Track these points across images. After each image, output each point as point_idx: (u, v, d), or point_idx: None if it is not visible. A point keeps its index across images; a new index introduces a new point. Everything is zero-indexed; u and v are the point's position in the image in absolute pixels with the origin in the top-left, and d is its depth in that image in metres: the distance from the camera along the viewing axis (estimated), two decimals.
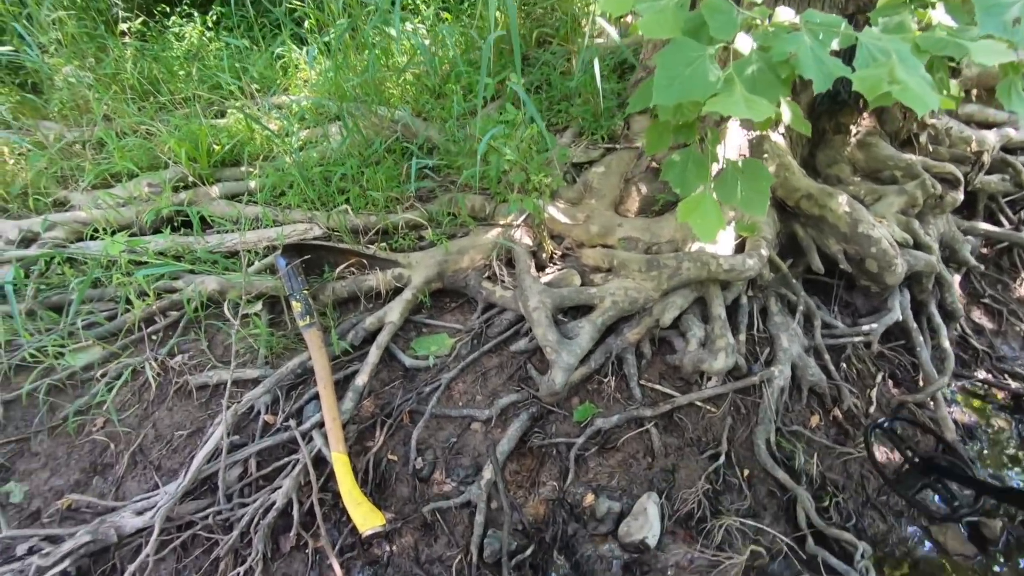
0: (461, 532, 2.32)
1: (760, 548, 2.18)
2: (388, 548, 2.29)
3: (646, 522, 2.26)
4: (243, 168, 3.46)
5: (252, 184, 3.35)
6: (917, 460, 2.54)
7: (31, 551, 2.24)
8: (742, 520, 2.33)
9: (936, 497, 2.54)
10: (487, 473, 2.43)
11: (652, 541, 2.22)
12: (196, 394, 2.68)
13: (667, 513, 2.36)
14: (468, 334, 2.90)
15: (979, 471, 2.63)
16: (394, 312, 2.84)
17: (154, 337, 2.85)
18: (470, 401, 2.72)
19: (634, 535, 2.24)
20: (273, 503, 2.27)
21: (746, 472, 2.54)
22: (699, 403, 2.71)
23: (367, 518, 2.18)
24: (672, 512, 2.37)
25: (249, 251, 3.08)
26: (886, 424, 2.67)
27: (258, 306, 2.93)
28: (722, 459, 2.54)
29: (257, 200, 3.28)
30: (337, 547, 2.27)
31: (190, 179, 3.31)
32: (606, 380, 2.77)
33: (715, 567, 2.16)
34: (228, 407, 2.38)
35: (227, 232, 3.17)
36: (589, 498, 2.45)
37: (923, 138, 3.51)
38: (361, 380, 2.63)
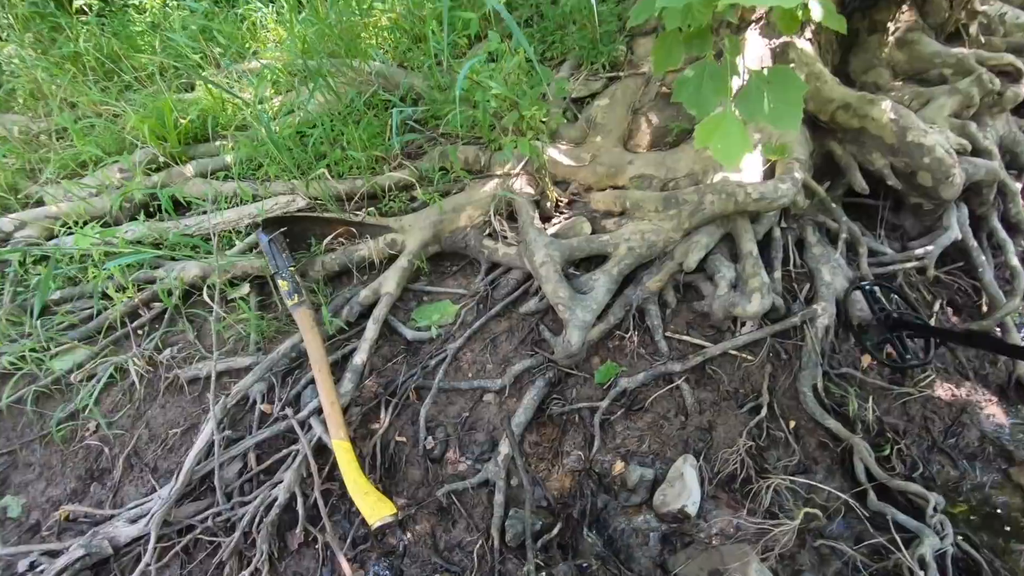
0: (480, 514, 2.12)
1: (814, 509, 1.93)
2: (403, 537, 2.11)
3: (684, 488, 2.02)
4: (217, 143, 3.20)
5: (228, 158, 3.09)
6: (884, 317, 2.37)
7: (32, 567, 2.12)
8: (792, 478, 2.08)
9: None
10: (504, 448, 2.21)
11: (692, 509, 1.99)
12: (188, 388, 2.50)
13: (707, 476, 2.12)
14: (473, 299, 2.65)
15: None
16: (390, 282, 2.59)
17: (139, 332, 2.66)
18: (480, 371, 2.48)
19: (671, 504, 2.01)
20: (275, 499, 2.09)
21: (792, 424, 2.27)
22: (734, 352, 2.44)
23: (375, 508, 1.99)
24: (712, 475, 2.13)
25: (230, 230, 2.85)
26: (867, 287, 2.47)
27: (244, 289, 2.72)
28: (764, 412, 2.27)
29: (234, 175, 3.02)
30: (348, 540, 2.10)
31: (161, 159, 3.07)
32: (628, 336, 2.50)
33: (765, 533, 1.92)
34: (216, 400, 2.19)
35: (205, 212, 2.94)
36: (618, 466, 2.22)
37: (973, 28, 3.05)
38: (360, 358, 2.41)
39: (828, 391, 2.33)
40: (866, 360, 2.42)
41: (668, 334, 2.49)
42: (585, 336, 2.32)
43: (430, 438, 2.30)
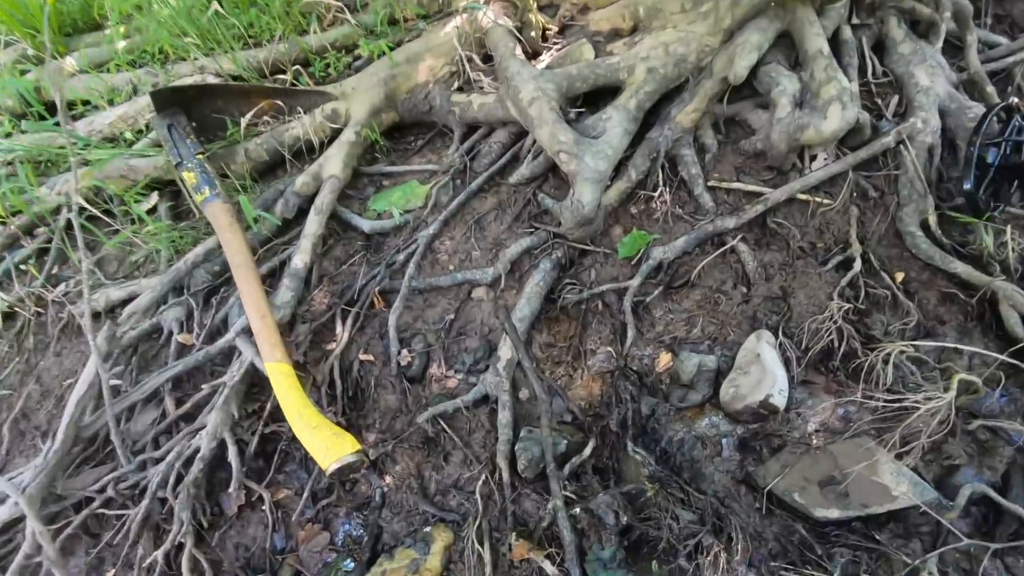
0: (481, 441, 1.53)
1: (970, 376, 1.31)
2: (380, 483, 1.54)
3: (763, 374, 1.41)
4: (106, 31, 2.51)
5: (121, 44, 2.40)
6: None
7: None
8: (914, 344, 1.45)
9: None
10: (505, 351, 1.61)
11: (779, 399, 1.38)
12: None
13: (792, 356, 1.51)
14: (447, 175, 2.00)
15: None
16: (334, 162, 1.95)
17: (23, 268, 2.05)
18: (464, 262, 1.86)
19: (748, 396, 1.40)
20: (196, 451, 1.51)
21: (900, 276, 1.63)
22: (804, 196, 1.79)
23: (330, 447, 1.40)
24: (800, 353, 1.52)
25: (129, 129, 2.20)
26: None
27: (152, 199, 2.09)
28: (857, 266, 1.63)
29: (124, 64, 2.35)
30: (305, 495, 1.53)
31: (32, 54, 2.39)
32: (657, 194, 1.85)
33: (896, 419, 1.31)
34: (102, 329, 1.59)
35: (98, 111, 2.28)
36: (664, 359, 1.61)
37: None
38: (300, 260, 1.79)
39: (944, 229, 1.67)
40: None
41: (712, 183, 1.84)
42: (600, 192, 1.68)
43: (405, 352, 1.70)
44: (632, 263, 1.80)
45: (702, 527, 1.21)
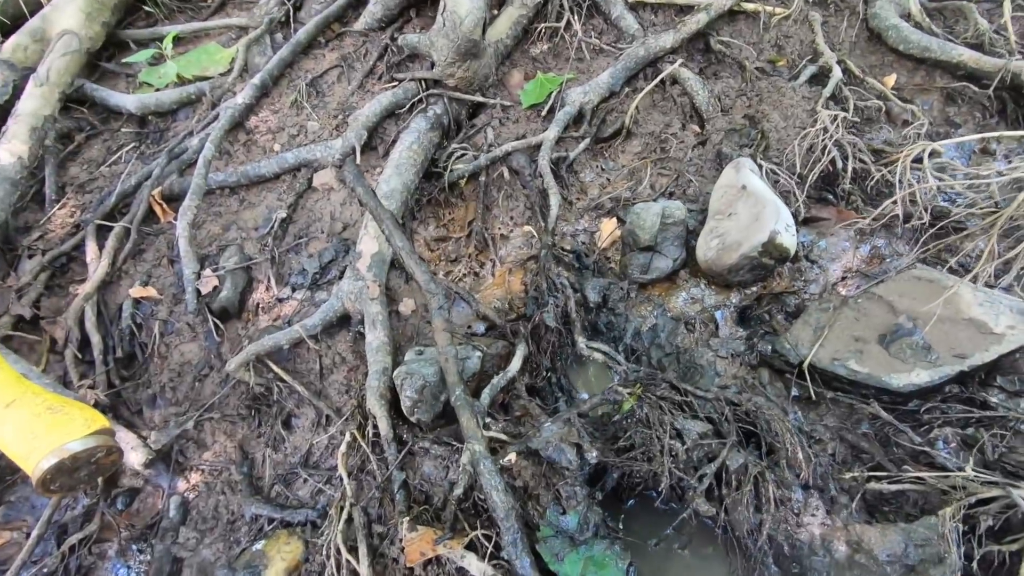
0: (342, 385, 0.93)
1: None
2: (180, 485, 0.90)
3: (760, 208, 0.93)
4: None
5: None
6: None
7: None
8: (935, 145, 1.03)
9: None
10: (368, 244, 1.02)
11: (788, 238, 0.91)
12: None
13: (790, 184, 1.04)
14: (261, 28, 1.35)
15: None
16: (68, 13, 1.24)
17: None
18: (297, 138, 1.24)
19: (744, 243, 0.92)
20: None
21: (891, 81, 1.23)
22: (751, 6, 1.34)
23: (39, 435, 0.74)
24: (796, 182, 1.05)
25: None
26: None
27: None
28: (838, 72, 1.21)
29: None
30: (36, 531, 0.85)
31: None
32: (563, 23, 1.33)
33: (941, 244, 0.88)
34: None
35: None
36: (608, 226, 1.10)
37: None
38: (9, 153, 1.08)
39: (930, 13, 1.29)
40: None
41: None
42: (482, 5, 1.12)
43: (208, 272, 1.05)
44: (542, 115, 1.27)
45: (721, 442, 0.70)
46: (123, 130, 1.26)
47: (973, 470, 0.61)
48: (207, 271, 1.05)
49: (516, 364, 0.85)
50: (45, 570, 0.85)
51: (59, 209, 1.15)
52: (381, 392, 0.84)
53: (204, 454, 0.92)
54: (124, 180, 1.15)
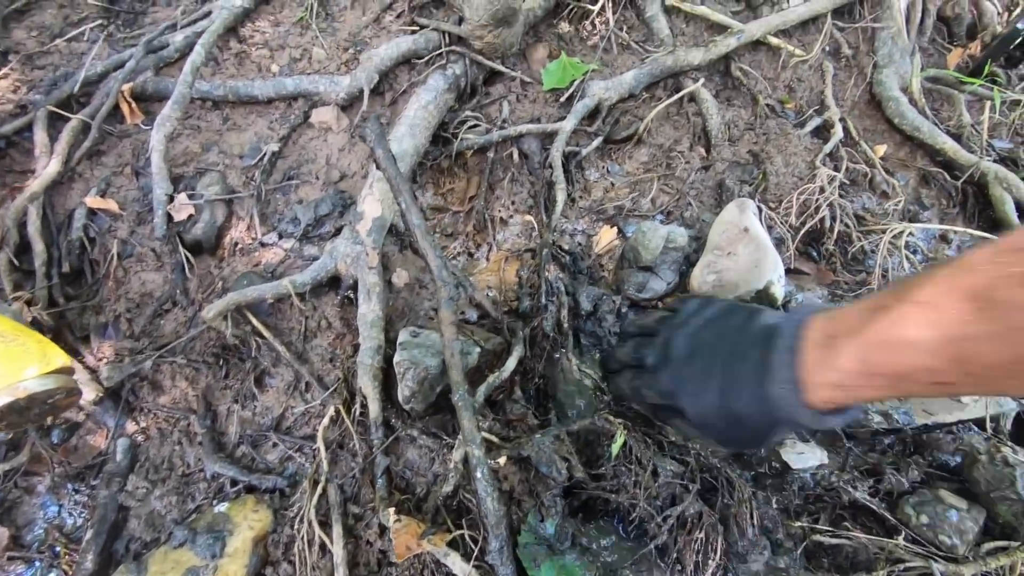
0: (325, 351, 0.89)
1: None
2: (127, 427, 0.83)
3: (761, 255, 0.98)
4: None
5: None
6: None
7: None
8: (912, 225, 1.14)
9: None
10: (371, 207, 0.96)
11: (779, 289, 0.97)
12: None
13: (785, 235, 1.11)
14: None
15: None
16: None
17: None
18: (299, 63, 1.12)
19: (741, 285, 0.97)
20: None
21: (881, 150, 1.31)
22: (775, 41, 1.36)
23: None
24: (792, 232, 1.12)
25: None
26: None
27: None
28: (839, 132, 1.27)
29: None
30: None
31: None
32: (598, 7, 1.28)
33: None
34: None
35: None
36: (606, 235, 1.12)
37: None
38: None
39: (924, 92, 1.39)
40: (954, 58, 1.51)
41: (672, 1, 1.32)
42: None
43: (182, 198, 0.94)
44: (559, 102, 1.24)
45: (684, 485, 0.75)
46: (88, 2, 1.07)
47: (904, 539, 0.71)
48: (182, 196, 0.94)
49: (511, 364, 0.86)
50: None
51: None
52: (374, 372, 0.81)
53: (160, 398, 0.86)
54: (89, 66, 0.99)
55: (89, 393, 0.80)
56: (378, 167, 0.86)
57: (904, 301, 0.48)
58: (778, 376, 0.57)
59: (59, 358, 0.68)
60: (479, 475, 0.70)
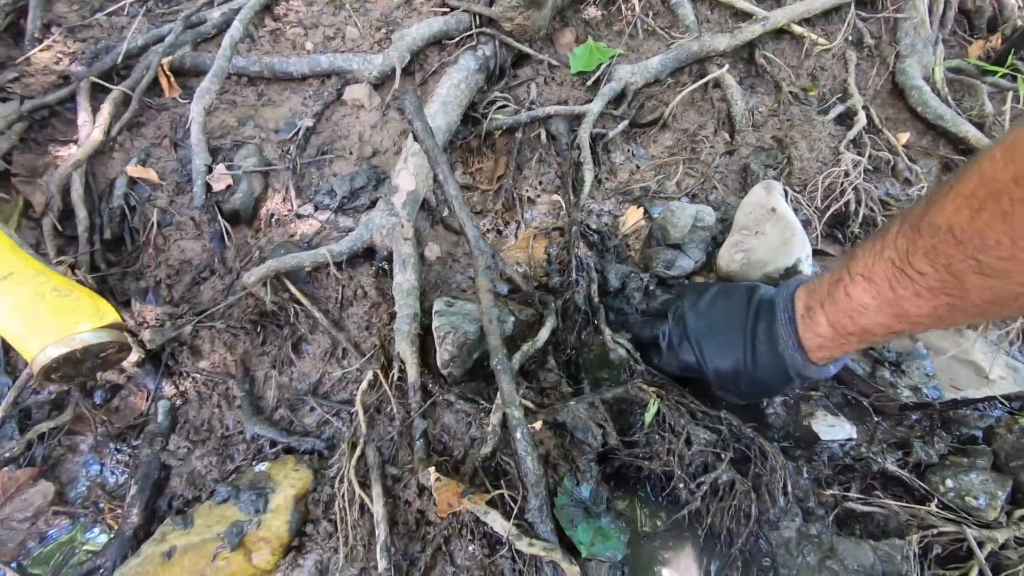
0: (362, 320, 0.91)
1: None
2: (167, 389, 0.85)
3: (790, 234, 0.99)
4: None
5: None
6: None
7: None
8: None
9: None
10: (405, 180, 0.98)
11: (807, 267, 0.98)
12: None
13: (812, 217, 1.12)
14: None
15: None
16: None
17: None
18: (333, 41, 1.14)
19: (769, 263, 0.98)
20: None
21: (903, 138, 1.32)
22: (799, 30, 1.37)
23: (43, 319, 0.67)
24: (817, 213, 1.13)
25: None
26: None
27: None
28: (863, 119, 1.28)
29: None
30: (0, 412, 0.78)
31: None
32: None
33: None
34: None
35: None
36: (633, 215, 1.13)
37: None
38: None
39: (947, 81, 1.40)
40: (975, 50, 1.52)
41: None
42: None
43: (220, 169, 0.96)
44: (586, 85, 1.25)
45: (717, 453, 0.77)
46: None
47: (936, 506, 0.73)
48: (221, 167, 0.96)
49: (544, 334, 0.87)
50: (7, 454, 0.78)
51: (41, 51, 1.00)
52: (411, 338, 0.83)
53: (199, 362, 0.87)
54: (130, 39, 1.00)
55: (132, 355, 0.82)
56: (415, 138, 0.87)
57: (849, 272, 0.59)
58: (786, 343, 0.69)
59: (111, 314, 0.70)
60: (519, 435, 0.71)
